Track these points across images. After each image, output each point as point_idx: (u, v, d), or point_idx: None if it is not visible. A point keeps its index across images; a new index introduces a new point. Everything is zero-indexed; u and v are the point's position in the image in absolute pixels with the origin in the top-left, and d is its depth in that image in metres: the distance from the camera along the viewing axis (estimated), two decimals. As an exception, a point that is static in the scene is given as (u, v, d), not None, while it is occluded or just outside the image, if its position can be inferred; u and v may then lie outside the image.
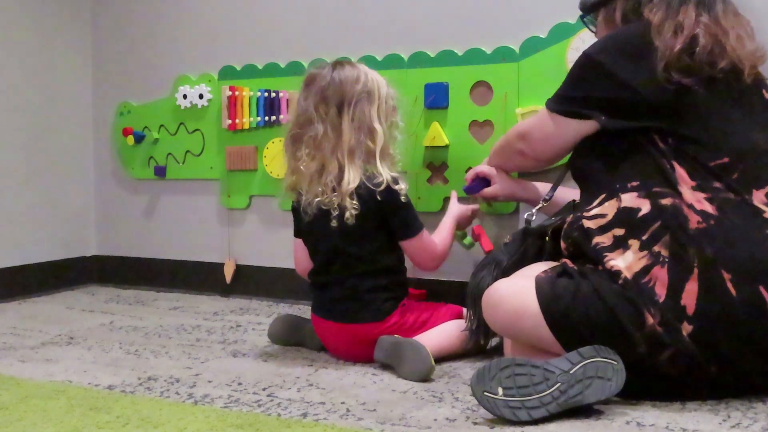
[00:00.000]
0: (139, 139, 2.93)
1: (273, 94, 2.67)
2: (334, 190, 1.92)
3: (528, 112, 2.27)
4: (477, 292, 1.82)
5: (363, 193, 1.92)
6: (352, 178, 1.91)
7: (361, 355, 1.95)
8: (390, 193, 1.93)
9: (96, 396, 1.69)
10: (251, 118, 2.71)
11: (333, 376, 1.84)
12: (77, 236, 3.09)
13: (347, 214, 1.90)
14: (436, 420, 1.52)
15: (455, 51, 2.39)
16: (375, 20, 2.56)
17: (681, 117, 1.63)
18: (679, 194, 1.58)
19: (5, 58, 2.84)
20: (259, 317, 2.50)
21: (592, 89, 1.72)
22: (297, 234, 2.13)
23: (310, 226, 1.99)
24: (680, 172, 1.60)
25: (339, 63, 2.02)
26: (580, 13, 1.94)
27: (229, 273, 2.81)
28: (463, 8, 2.41)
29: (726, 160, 1.60)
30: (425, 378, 1.79)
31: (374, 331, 1.92)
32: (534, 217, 1.93)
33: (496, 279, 1.78)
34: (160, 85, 2.92)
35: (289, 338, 2.13)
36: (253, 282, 2.79)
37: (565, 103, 1.79)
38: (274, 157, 2.66)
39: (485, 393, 1.47)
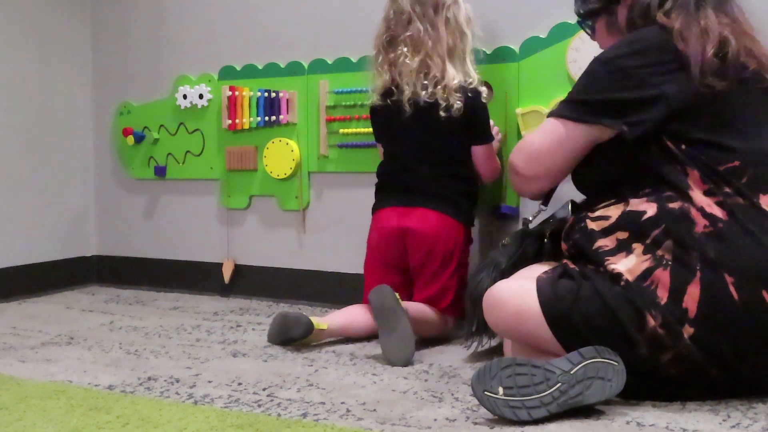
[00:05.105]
0: (139, 139, 2.93)
1: (273, 94, 2.67)
2: (437, 84, 2.05)
3: (528, 112, 2.27)
4: (476, 294, 1.82)
5: (458, 90, 2.06)
6: (455, 74, 2.06)
7: (416, 247, 2.08)
8: (477, 92, 2.11)
9: (96, 396, 1.69)
10: (251, 118, 2.71)
11: (333, 376, 1.84)
12: (77, 236, 3.09)
13: (454, 107, 2.04)
14: (436, 420, 1.52)
15: (455, 51, 2.39)
16: (375, 20, 2.54)
17: (698, 120, 1.60)
18: (689, 198, 1.57)
19: (5, 58, 2.84)
20: (259, 317, 2.50)
21: (614, 93, 1.64)
22: (379, 138, 2.26)
23: (407, 121, 2.08)
24: (693, 177, 1.58)
25: None
26: (577, 18, 1.91)
27: (227, 273, 2.81)
28: (463, 8, 2.41)
29: (737, 163, 1.58)
30: (405, 364, 1.88)
31: (451, 229, 2.07)
32: (532, 218, 1.92)
33: (494, 281, 1.77)
34: (160, 85, 2.92)
35: (284, 335, 2.09)
36: (253, 282, 2.79)
37: (579, 109, 1.68)
38: (273, 157, 2.66)
39: (486, 392, 1.47)
